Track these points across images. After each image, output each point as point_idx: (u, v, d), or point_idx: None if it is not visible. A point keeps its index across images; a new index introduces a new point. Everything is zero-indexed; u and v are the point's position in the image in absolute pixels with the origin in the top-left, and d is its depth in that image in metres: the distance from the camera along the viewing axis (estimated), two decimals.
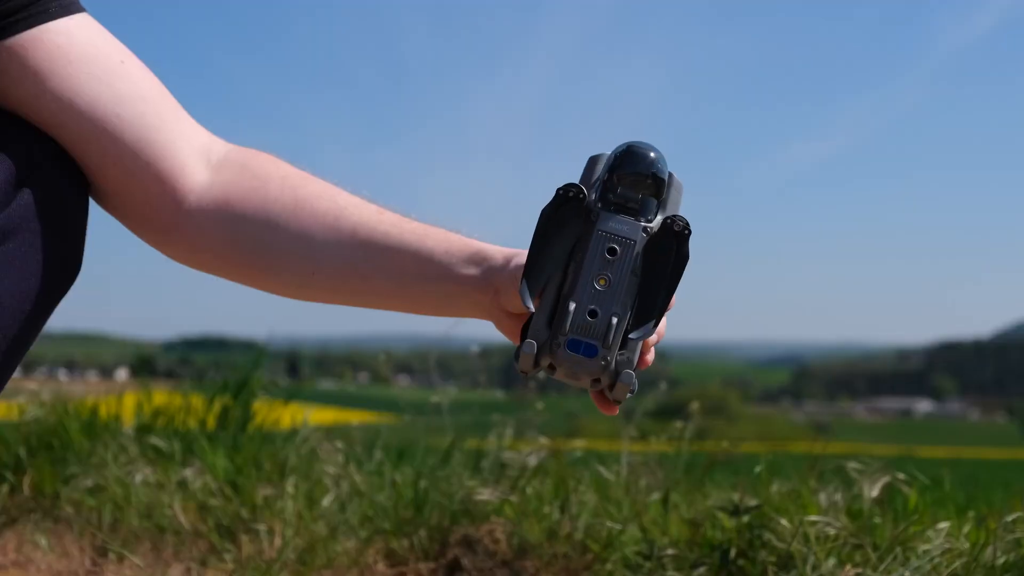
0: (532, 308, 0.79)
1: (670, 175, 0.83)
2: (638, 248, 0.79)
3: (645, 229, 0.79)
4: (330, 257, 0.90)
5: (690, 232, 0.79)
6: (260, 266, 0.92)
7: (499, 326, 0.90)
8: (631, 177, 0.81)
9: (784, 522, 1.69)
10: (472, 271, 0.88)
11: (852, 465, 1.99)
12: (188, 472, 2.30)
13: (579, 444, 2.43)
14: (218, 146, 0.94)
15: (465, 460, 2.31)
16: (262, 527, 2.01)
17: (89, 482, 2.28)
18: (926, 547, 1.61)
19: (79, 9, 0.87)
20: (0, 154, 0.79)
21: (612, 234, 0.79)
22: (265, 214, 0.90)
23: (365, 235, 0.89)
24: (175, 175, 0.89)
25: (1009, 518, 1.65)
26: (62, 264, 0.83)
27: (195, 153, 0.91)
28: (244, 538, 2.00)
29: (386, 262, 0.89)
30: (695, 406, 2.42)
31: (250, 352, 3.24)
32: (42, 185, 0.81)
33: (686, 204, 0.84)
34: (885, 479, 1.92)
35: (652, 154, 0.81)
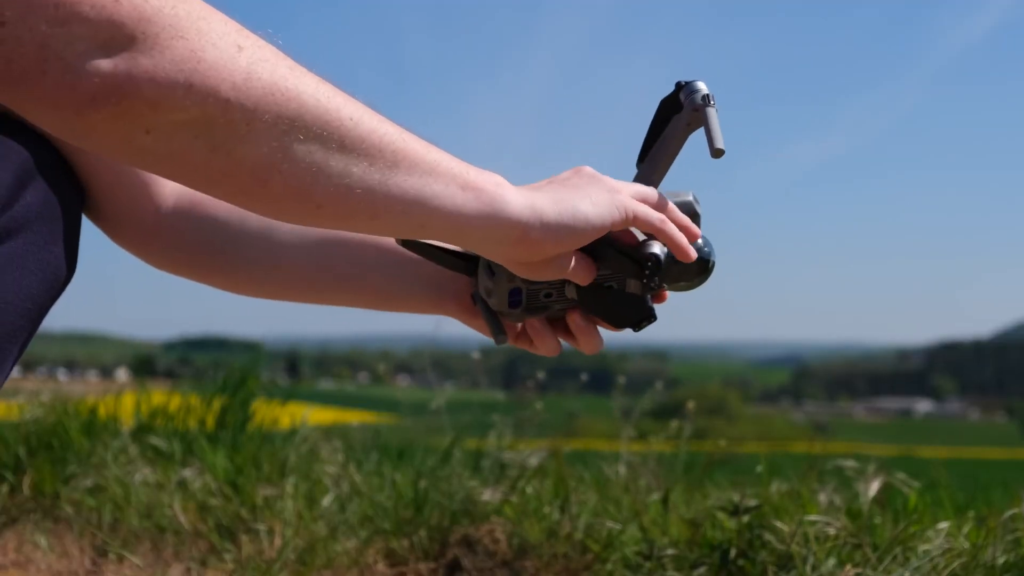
0: None
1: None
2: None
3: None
4: (291, 251, 0.93)
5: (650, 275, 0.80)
6: (227, 265, 0.94)
7: (457, 315, 0.94)
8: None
9: (782, 523, 1.69)
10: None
11: (848, 463, 1.99)
12: (188, 472, 2.30)
13: (573, 444, 2.44)
14: None
15: (465, 460, 2.31)
16: (262, 527, 2.01)
17: (89, 482, 2.28)
18: (926, 547, 1.61)
19: None
20: (6, 156, 0.80)
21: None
22: (227, 209, 0.93)
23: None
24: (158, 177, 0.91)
25: (1008, 514, 1.65)
26: (60, 264, 0.85)
27: None
28: (244, 538, 2.00)
29: (347, 252, 0.93)
30: (691, 405, 2.45)
31: (250, 352, 3.25)
32: (44, 187, 0.82)
33: None
34: (882, 478, 1.92)
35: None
